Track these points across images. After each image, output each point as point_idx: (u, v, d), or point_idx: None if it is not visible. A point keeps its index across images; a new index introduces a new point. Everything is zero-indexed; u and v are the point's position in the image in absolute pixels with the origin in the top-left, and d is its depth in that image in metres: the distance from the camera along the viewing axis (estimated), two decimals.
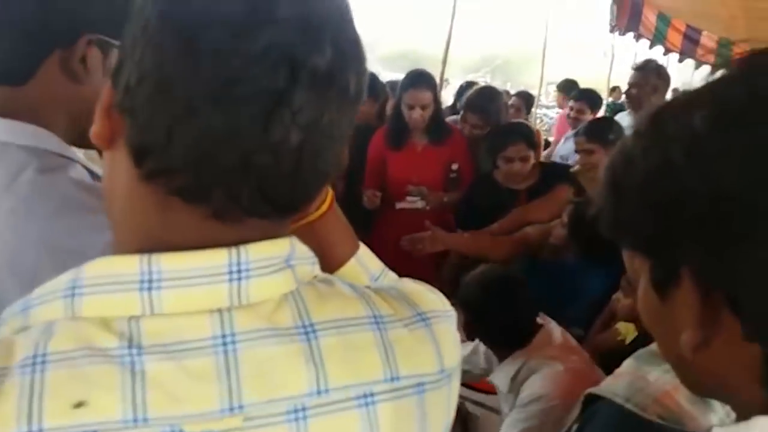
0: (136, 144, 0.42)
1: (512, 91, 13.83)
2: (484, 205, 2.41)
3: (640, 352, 0.85)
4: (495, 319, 1.51)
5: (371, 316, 0.49)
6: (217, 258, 0.43)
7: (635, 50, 7.04)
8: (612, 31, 6.24)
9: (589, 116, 3.92)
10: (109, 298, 0.42)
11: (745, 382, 0.41)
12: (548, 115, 13.18)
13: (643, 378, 0.79)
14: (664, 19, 6.26)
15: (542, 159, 3.71)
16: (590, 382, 1.34)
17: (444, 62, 4.52)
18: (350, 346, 0.47)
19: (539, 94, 8.58)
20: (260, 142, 0.40)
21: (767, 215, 0.36)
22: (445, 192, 2.56)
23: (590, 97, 4.15)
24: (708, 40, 6.70)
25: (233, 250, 0.43)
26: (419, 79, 2.52)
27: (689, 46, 6.76)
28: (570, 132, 4.06)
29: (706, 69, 7.31)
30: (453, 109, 3.26)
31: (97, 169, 0.78)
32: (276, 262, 0.45)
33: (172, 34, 0.40)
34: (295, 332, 0.45)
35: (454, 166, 2.56)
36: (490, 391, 1.71)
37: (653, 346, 0.83)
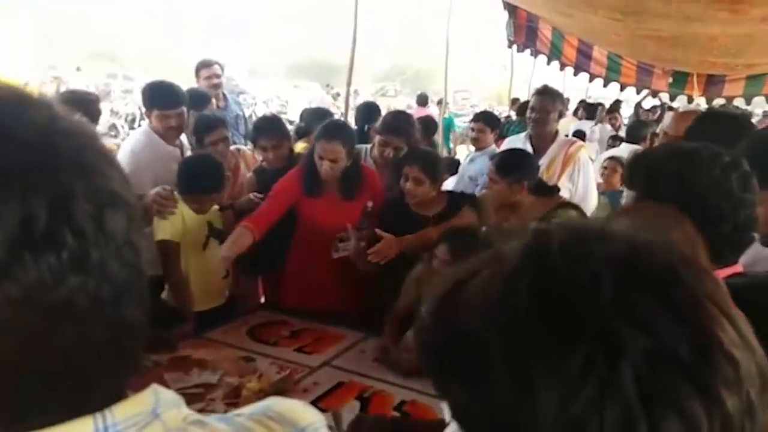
0: None
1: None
2: (395, 231, 2.41)
3: None
4: None
5: None
6: (82, 427, 0.41)
7: (534, 63, 7.32)
8: (510, 46, 6.47)
9: (489, 135, 4.17)
10: None
11: None
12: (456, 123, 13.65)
13: None
14: (558, 35, 6.55)
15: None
16: None
17: (350, 71, 4.50)
18: None
19: (445, 103, 8.85)
20: None
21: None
22: (359, 229, 2.53)
23: (488, 118, 4.41)
24: (599, 54, 7.10)
25: (98, 415, 0.41)
26: (333, 133, 2.49)
27: (583, 61, 7.12)
28: (474, 152, 4.18)
29: (599, 82, 7.74)
30: (360, 133, 3.25)
31: None
32: (142, 418, 0.44)
33: None
34: None
35: (369, 204, 2.54)
36: None
37: None
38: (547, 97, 3.06)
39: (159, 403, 0.46)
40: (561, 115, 3.28)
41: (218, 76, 3.93)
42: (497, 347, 0.42)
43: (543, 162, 2.96)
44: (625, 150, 4.69)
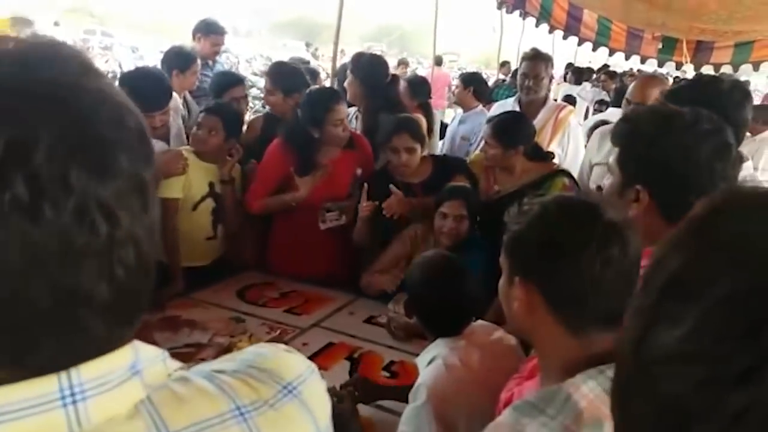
0: None
1: (410, 61, 13.80)
2: (381, 200, 2.39)
3: (518, 403, 0.84)
4: (425, 304, 1.55)
5: (234, 409, 0.47)
6: (45, 386, 0.39)
7: (523, 26, 7.23)
8: (499, 7, 6.38)
9: (467, 94, 4.23)
10: None
11: None
12: None
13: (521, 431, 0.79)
14: None
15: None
16: (467, 385, 1.37)
17: (337, 31, 4.42)
18: None
19: (433, 65, 8.75)
20: None
21: None
22: (351, 195, 2.52)
23: (466, 78, 4.52)
24: (589, 17, 7.01)
25: (63, 374, 0.40)
26: (339, 96, 2.57)
27: (573, 24, 7.04)
28: (460, 112, 4.19)
29: (588, 46, 7.68)
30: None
31: None
32: (117, 375, 0.42)
33: None
34: None
35: (359, 171, 2.54)
36: None
37: (531, 398, 0.83)
38: (540, 61, 3.02)
39: (138, 360, 0.44)
40: (551, 80, 3.26)
41: (223, 43, 3.91)
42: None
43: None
44: (611, 115, 4.69)
